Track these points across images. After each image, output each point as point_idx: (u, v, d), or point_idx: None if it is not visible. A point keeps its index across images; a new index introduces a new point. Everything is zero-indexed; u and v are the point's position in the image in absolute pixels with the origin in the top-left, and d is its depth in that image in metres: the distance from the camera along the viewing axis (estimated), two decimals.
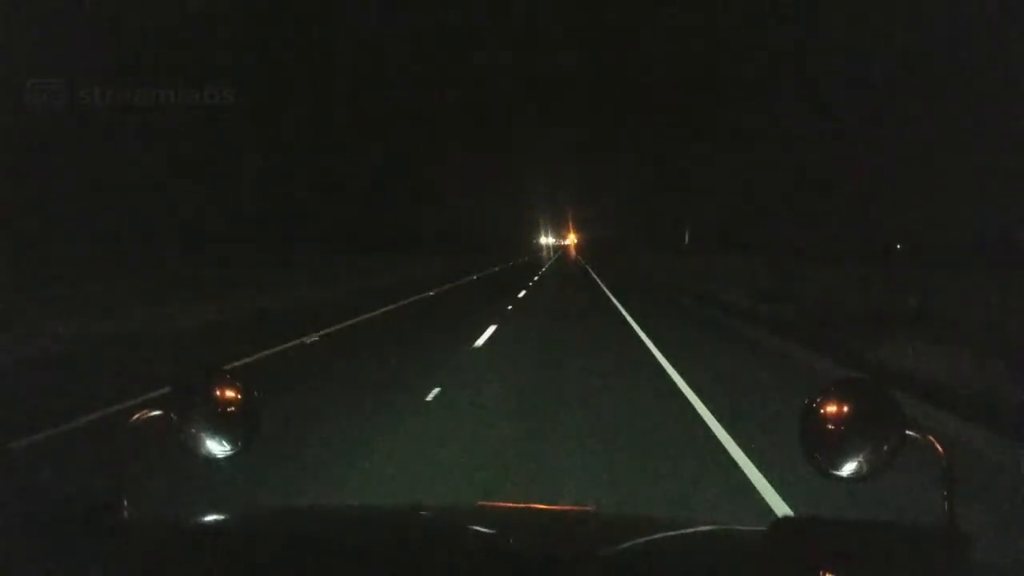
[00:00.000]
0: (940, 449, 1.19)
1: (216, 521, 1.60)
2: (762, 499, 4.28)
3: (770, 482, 4.53)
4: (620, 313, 17.15)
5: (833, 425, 1.26)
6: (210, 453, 1.36)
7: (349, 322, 14.58)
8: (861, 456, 1.23)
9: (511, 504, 3.45)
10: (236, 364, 9.14)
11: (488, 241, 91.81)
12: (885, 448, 1.22)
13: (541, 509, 2.81)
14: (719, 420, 6.25)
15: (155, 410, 1.34)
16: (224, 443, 1.36)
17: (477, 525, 1.76)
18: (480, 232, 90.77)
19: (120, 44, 20.47)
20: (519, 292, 24.19)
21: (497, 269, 46.35)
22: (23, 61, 14.79)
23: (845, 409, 1.27)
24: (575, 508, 3.56)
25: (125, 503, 1.27)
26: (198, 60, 22.19)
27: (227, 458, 1.38)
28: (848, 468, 1.23)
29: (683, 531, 1.69)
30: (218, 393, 1.38)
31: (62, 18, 18.61)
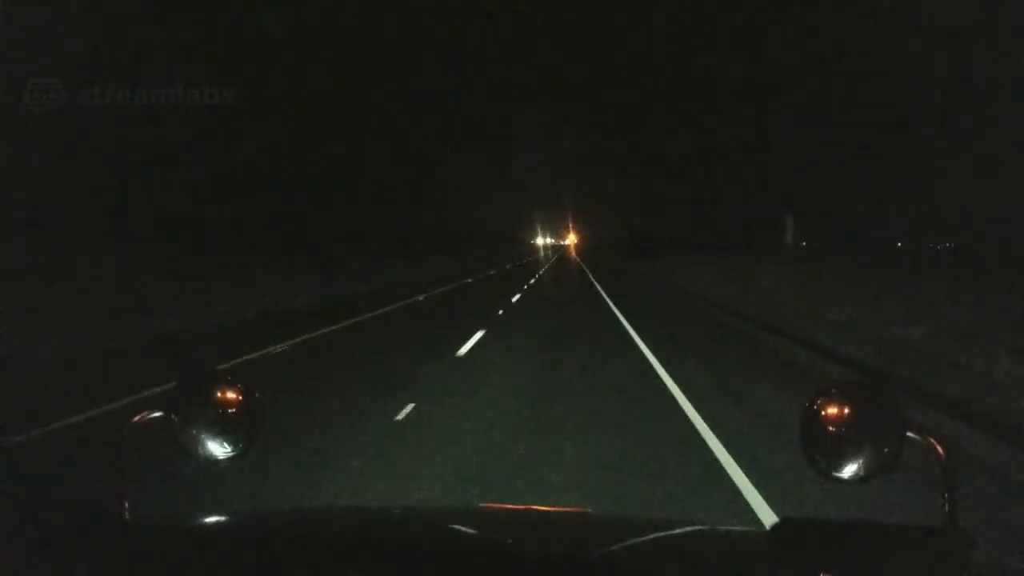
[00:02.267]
0: (940, 450, 1.19)
1: (216, 523, 1.60)
2: None
3: None
4: None
5: (833, 427, 1.26)
6: (211, 455, 1.35)
7: None
8: (862, 458, 1.23)
9: (509, 506, 3.46)
10: None
11: (477, 242, 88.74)
12: (886, 450, 1.22)
13: (539, 511, 2.82)
14: None
15: (156, 411, 1.33)
16: (225, 445, 1.35)
17: (474, 526, 1.76)
18: (469, 233, 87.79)
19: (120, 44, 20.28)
20: (478, 331, 12.54)
21: (470, 281, 32.74)
22: (23, 61, 14.71)
23: (845, 411, 1.27)
24: (573, 510, 3.56)
25: (126, 505, 1.27)
26: (195, 56, 21.62)
27: (228, 460, 1.37)
28: (849, 470, 1.23)
29: (680, 532, 1.69)
30: (219, 394, 1.36)
31: (61, 17, 18.52)
